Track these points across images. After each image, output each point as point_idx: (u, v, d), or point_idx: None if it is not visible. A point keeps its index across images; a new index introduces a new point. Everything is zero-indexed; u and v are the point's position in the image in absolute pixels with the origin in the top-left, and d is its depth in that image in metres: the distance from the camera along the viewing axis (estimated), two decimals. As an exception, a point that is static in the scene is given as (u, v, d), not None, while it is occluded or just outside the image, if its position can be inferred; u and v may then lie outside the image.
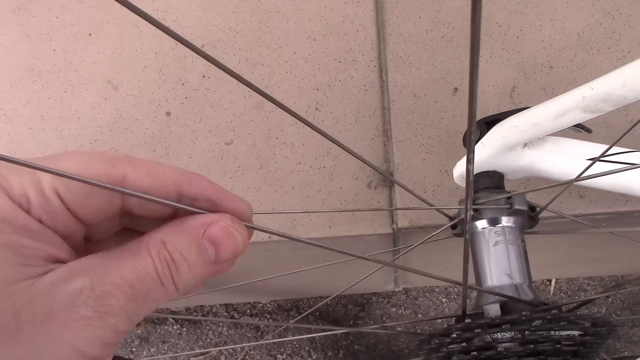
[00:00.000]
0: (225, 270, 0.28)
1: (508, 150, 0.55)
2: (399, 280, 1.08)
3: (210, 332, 1.18)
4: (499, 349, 0.46)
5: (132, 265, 0.25)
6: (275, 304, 1.19)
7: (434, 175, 0.73)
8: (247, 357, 1.16)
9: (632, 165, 0.50)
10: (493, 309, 0.49)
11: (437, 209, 0.55)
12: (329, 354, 1.15)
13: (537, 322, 0.45)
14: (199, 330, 1.19)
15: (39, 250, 0.25)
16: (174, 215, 0.28)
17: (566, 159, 0.55)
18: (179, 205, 0.27)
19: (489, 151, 0.55)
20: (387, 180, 0.74)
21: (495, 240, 0.53)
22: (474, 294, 0.59)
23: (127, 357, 1.17)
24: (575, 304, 0.52)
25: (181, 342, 1.18)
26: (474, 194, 0.58)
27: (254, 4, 0.81)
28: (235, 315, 1.19)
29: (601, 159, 0.51)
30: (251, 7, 0.81)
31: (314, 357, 1.15)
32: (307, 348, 1.15)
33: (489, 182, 0.56)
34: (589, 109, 0.46)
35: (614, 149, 0.51)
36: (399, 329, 1.09)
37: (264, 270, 0.89)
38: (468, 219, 0.34)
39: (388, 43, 0.78)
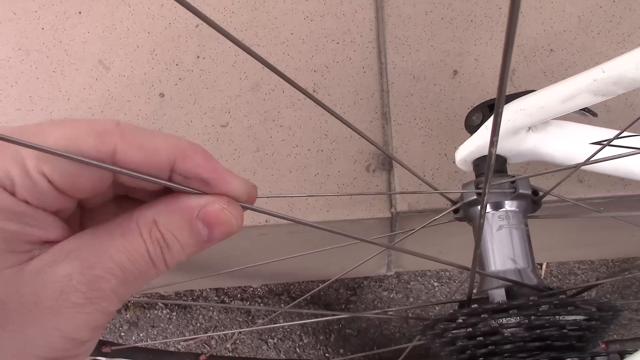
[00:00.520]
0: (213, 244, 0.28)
1: (512, 134, 0.54)
2: (392, 264, 1.08)
3: (201, 316, 1.18)
4: (505, 334, 0.45)
5: (123, 245, 0.24)
6: (267, 288, 1.19)
7: (433, 159, 0.73)
8: (237, 342, 1.16)
9: (638, 150, 0.50)
10: (498, 294, 0.49)
11: (440, 193, 0.54)
12: (320, 337, 1.15)
13: (543, 307, 0.44)
14: (189, 315, 1.18)
15: (25, 234, 0.23)
16: (169, 188, 0.27)
17: (570, 143, 0.54)
18: (173, 184, 0.26)
19: (493, 134, 0.54)
20: (386, 163, 0.73)
21: (499, 224, 0.52)
22: (467, 278, 0.59)
23: (116, 342, 1.16)
24: (579, 289, 0.51)
25: (171, 326, 1.17)
26: (476, 177, 0.58)
27: (250, -17, 0.79)
28: (226, 299, 1.18)
29: (607, 143, 0.50)
30: (246, -14, 0.79)
31: (305, 341, 1.15)
32: (299, 332, 1.15)
33: (492, 165, 0.55)
34: (599, 92, 0.45)
35: (616, 133, 0.51)
36: (405, 314, 1.09)
37: (257, 254, 0.88)
38: (485, 202, 0.33)
39: (387, 24, 0.77)
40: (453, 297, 1.13)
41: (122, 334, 1.18)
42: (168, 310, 1.18)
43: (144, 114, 0.76)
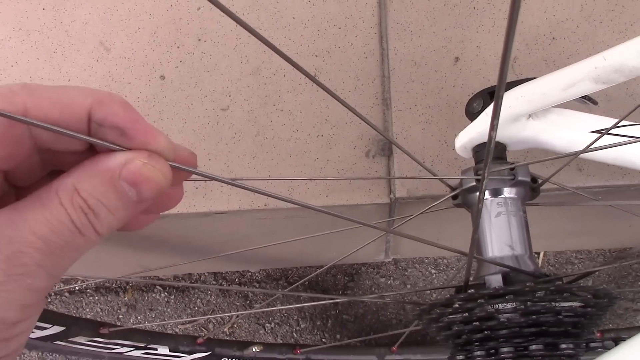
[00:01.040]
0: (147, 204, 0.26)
1: (512, 121, 0.54)
2: (390, 250, 1.08)
3: (199, 300, 1.18)
4: (501, 320, 0.46)
5: (43, 217, 0.23)
6: (265, 273, 1.19)
7: (433, 146, 0.73)
8: (235, 326, 1.16)
9: (638, 139, 0.50)
10: (495, 280, 0.49)
11: (439, 178, 0.54)
12: (317, 323, 1.15)
13: (540, 293, 0.45)
14: (187, 299, 1.18)
15: None
16: (93, 147, 0.26)
17: (570, 131, 0.54)
18: (93, 139, 0.24)
19: (494, 121, 0.54)
20: (386, 149, 0.73)
21: (498, 211, 0.52)
22: (464, 265, 0.59)
23: (113, 324, 1.17)
24: (576, 276, 0.52)
25: (169, 310, 1.18)
26: (475, 164, 0.58)
27: (252, -34, 0.79)
28: (224, 283, 1.19)
29: (606, 132, 0.51)
30: (249, -31, 0.79)
31: (302, 326, 1.15)
32: (296, 317, 1.16)
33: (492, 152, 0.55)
34: (600, 79, 0.45)
35: (615, 122, 0.51)
36: (402, 299, 1.09)
37: (255, 239, 0.88)
38: (484, 187, 0.33)
39: (389, 10, 0.77)
40: (450, 284, 1.14)
41: (120, 316, 1.18)
42: (166, 293, 1.19)
43: (145, 96, 0.76)
